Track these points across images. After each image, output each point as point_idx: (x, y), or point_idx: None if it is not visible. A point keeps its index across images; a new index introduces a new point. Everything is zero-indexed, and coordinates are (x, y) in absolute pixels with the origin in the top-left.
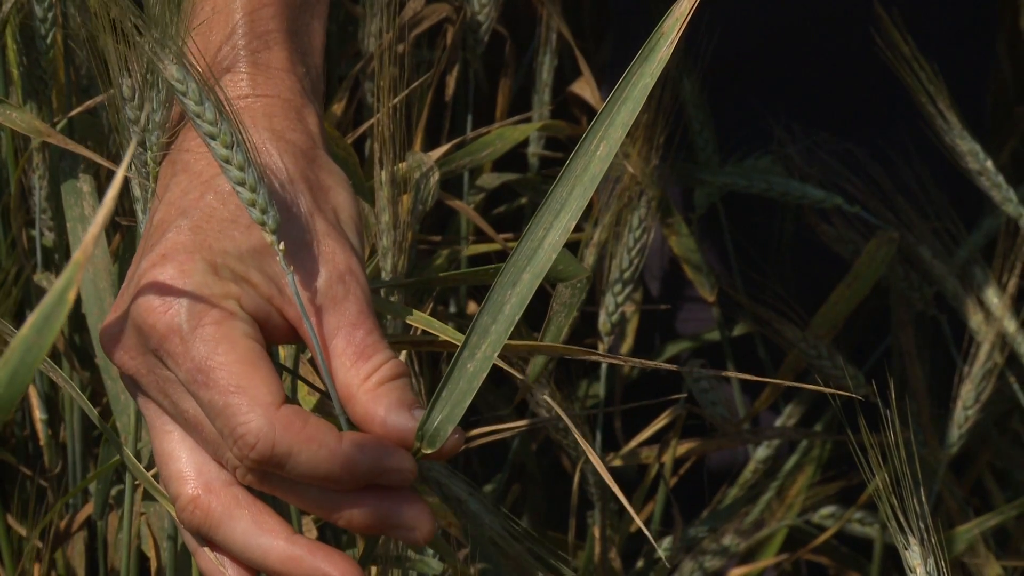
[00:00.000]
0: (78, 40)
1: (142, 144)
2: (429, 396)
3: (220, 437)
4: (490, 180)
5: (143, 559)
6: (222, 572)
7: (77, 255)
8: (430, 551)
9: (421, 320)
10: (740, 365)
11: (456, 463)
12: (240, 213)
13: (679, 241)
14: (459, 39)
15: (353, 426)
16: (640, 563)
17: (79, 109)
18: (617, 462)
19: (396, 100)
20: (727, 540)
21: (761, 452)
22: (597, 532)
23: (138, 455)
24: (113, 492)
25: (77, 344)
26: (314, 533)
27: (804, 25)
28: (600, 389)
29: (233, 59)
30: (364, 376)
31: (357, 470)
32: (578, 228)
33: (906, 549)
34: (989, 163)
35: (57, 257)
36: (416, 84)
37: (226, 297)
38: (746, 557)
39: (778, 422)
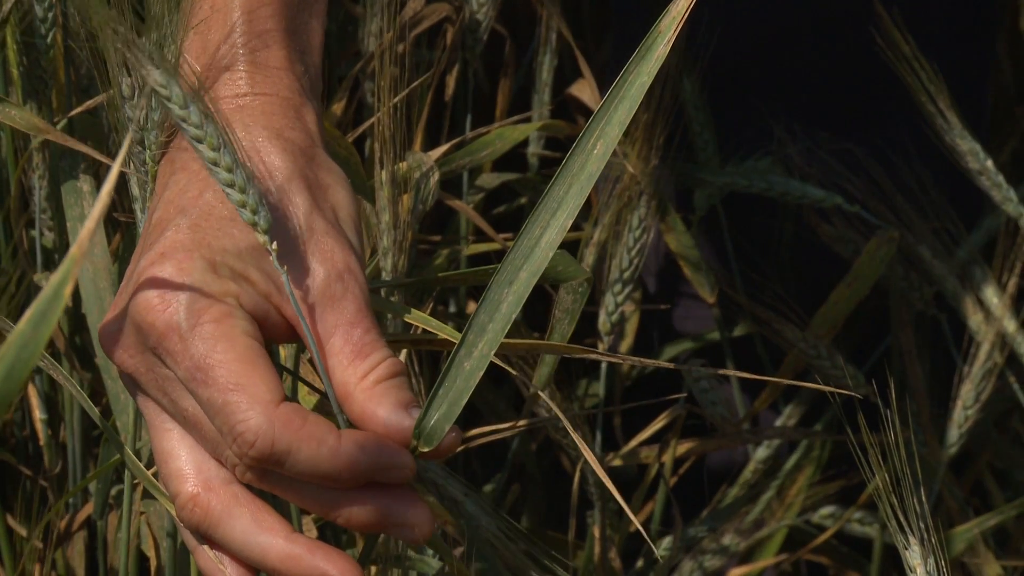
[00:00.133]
0: (78, 40)
1: (141, 143)
2: (428, 395)
3: (219, 435)
4: (490, 180)
5: (143, 559)
6: (221, 570)
7: (73, 250)
8: (429, 551)
9: (419, 319)
10: (740, 365)
11: (456, 463)
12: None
13: (676, 239)
14: (459, 39)
15: (352, 425)
16: (640, 563)
17: (79, 109)
18: (617, 462)
19: (396, 100)
20: (727, 540)
21: (761, 452)
22: (597, 532)
23: (137, 454)
24: (113, 492)
25: (77, 344)
26: (314, 533)
27: (804, 25)
28: (600, 389)
29: (232, 58)
30: (361, 374)
31: (356, 468)
32: (578, 228)
33: (906, 549)
34: (989, 163)
35: (57, 257)
36: (416, 84)
37: (225, 295)
38: (746, 557)
39: (778, 422)
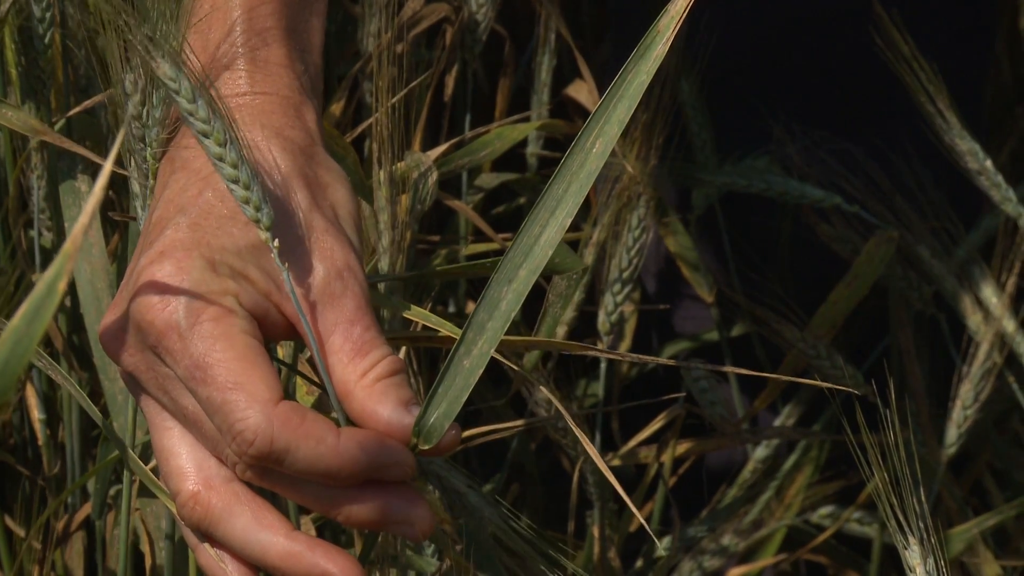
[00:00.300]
0: (76, 40)
1: (142, 140)
2: (427, 394)
3: (219, 433)
4: (489, 180)
5: (141, 557)
6: (222, 568)
7: (67, 246)
8: (428, 550)
9: (419, 315)
10: (739, 365)
11: (455, 462)
12: (238, 210)
13: (675, 239)
14: (458, 39)
15: (351, 422)
16: (639, 563)
17: (77, 109)
18: (616, 462)
19: (394, 100)
20: (726, 540)
21: (760, 452)
22: (596, 532)
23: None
24: (112, 492)
25: (76, 343)
26: (313, 533)
27: (803, 25)
28: (599, 389)
29: (231, 56)
30: (361, 372)
31: (356, 465)
32: (577, 228)
33: (905, 549)
34: (988, 162)
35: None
36: (415, 84)
37: (224, 294)
38: (745, 557)
39: (777, 422)
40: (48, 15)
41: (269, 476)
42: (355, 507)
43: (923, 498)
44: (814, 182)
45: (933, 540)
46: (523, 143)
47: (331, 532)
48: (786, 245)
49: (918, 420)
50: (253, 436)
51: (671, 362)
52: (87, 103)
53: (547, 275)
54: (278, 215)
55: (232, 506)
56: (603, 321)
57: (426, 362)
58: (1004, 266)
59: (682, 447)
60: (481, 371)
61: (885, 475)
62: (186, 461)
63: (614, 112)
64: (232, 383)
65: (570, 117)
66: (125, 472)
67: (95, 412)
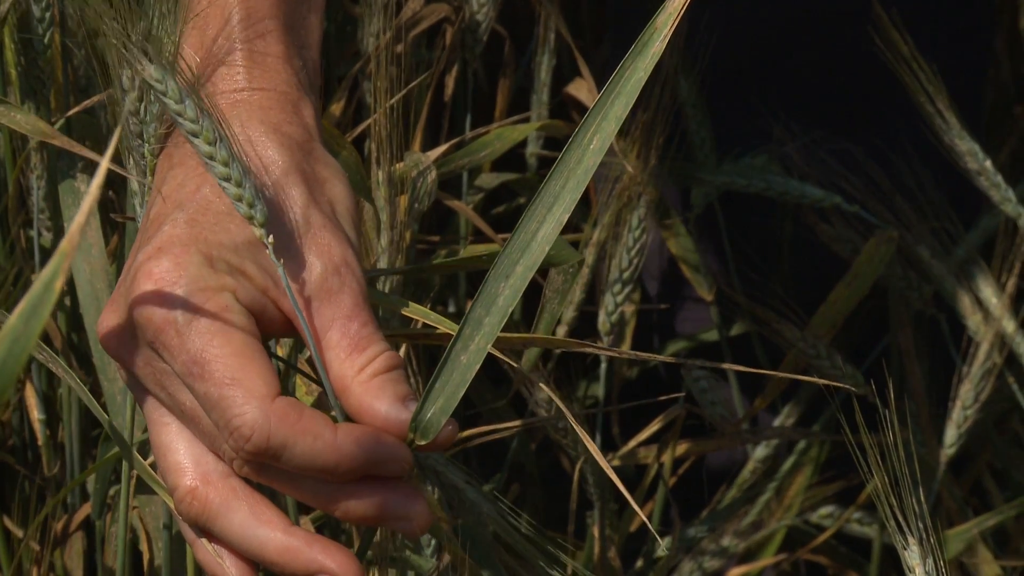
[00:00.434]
0: (76, 39)
1: (140, 136)
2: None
3: (216, 429)
4: (489, 180)
5: (139, 556)
6: (219, 564)
7: (63, 244)
8: (428, 550)
9: (418, 312)
10: (739, 365)
11: (455, 462)
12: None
13: (677, 241)
14: (458, 39)
15: (349, 418)
16: (639, 563)
17: (77, 108)
18: (616, 462)
19: (394, 100)
20: (726, 540)
21: (760, 452)
22: (596, 532)
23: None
24: (111, 492)
25: (75, 342)
26: None
27: (803, 25)
28: (599, 390)
29: (229, 52)
30: (358, 368)
31: (353, 461)
32: (577, 228)
33: (905, 549)
34: (988, 163)
35: None
36: (415, 84)
37: (221, 290)
38: (745, 557)
39: (777, 422)
40: (48, 15)
41: (266, 472)
42: (352, 503)
43: (923, 498)
44: (814, 182)
45: (933, 540)
46: (523, 143)
47: (331, 531)
48: (786, 245)
49: (918, 420)
50: (250, 432)
51: (671, 359)
52: (87, 103)
53: (544, 270)
54: (275, 211)
55: (229, 501)
56: (603, 321)
57: (426, 361)
58: (1004, 266)
59: (682, 447)
60: (478, 366)
61: (885, 475)
62: (184, 457)
63: (611, 109)
64: (229, 379)
65: (570, 117)
66: (124, 469)
67: (95, 406)
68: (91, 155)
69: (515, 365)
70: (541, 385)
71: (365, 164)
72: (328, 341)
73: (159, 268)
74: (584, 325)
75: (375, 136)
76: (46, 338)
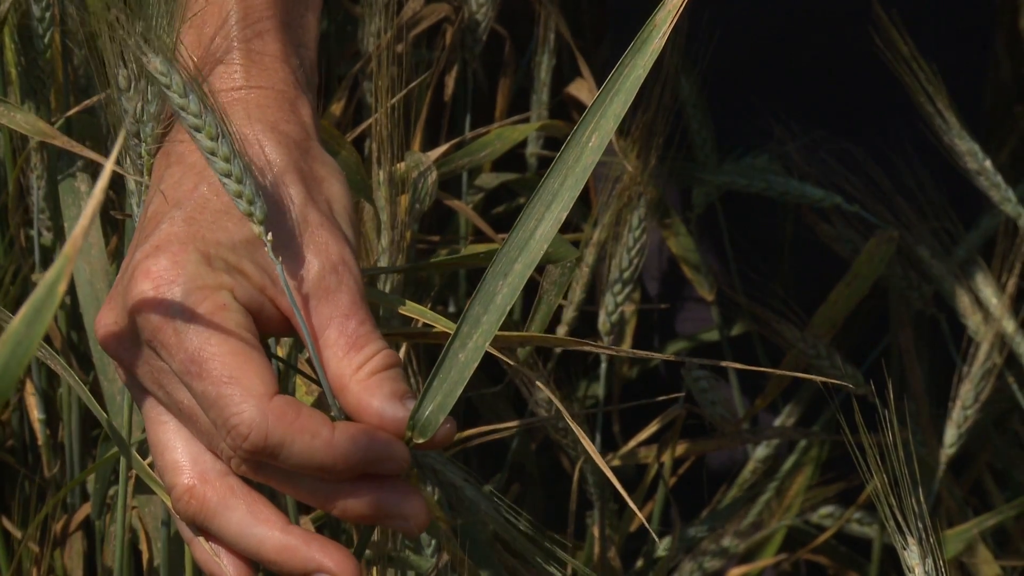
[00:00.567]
0: (76, 39)
1: (137, 135)
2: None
3: (214, 428)
4: (489, 180)
5: (139, 556)
6: (217, 562)
7: (67, 248)
8: (428, 550)
9: (415, 311)
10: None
11: (454, 462)
12: (233, 204)
13: (677, 241)
14: (458, 39)
15: (347, 417)
16: (639, 563)
17: (77, 108)
18: (616, 462)
19: (394, 100)
20: (726, 540)
21: (760, 452)
22: (596, 532)
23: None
24: (111, 492)
25: (75, 342)
26: None
27: (803, 25)
28: (599, 390)
29: (227, 51)
30: (356, 366)
31: (350, 460)
32: (577, 228)
33: (905, 549)
34: (988, 163)
35: (55, 257)
36: (415, 84)
37: (219, 288)
38: (745, 557)
39: (777, 422)
40: (48, 15)
41: (264, 470)
42: (350, 501)
43: (923, 498)
44: (814, 182)
45: (933, 540)
46: (523, 143)
47: (331, 531)
48: (786, 245)
49: (918, 420)
50: (248, 430)
51: (671, 357)
52: (87, 103)
53: (542, 267)
54: (272, 209)
55: (227, 500)
56: (603, 321)
57: (425, 361)
58: (1004, 266)
59: (682, 447)
60: (476, 364)
61: (885, 475)
62: (181, 455)
63: (610, 106)
64: (227, 377)
65: (570, 117)
66: (122, 468)
67: (95, 406)
68: (91, 155)
69: (512, 363)
70: (541, 385)
71: (366, 164)
72: (326, 339)
73: (157, 266)
74: (584, 325)
75: (376, 136)
76: (46, 338)
